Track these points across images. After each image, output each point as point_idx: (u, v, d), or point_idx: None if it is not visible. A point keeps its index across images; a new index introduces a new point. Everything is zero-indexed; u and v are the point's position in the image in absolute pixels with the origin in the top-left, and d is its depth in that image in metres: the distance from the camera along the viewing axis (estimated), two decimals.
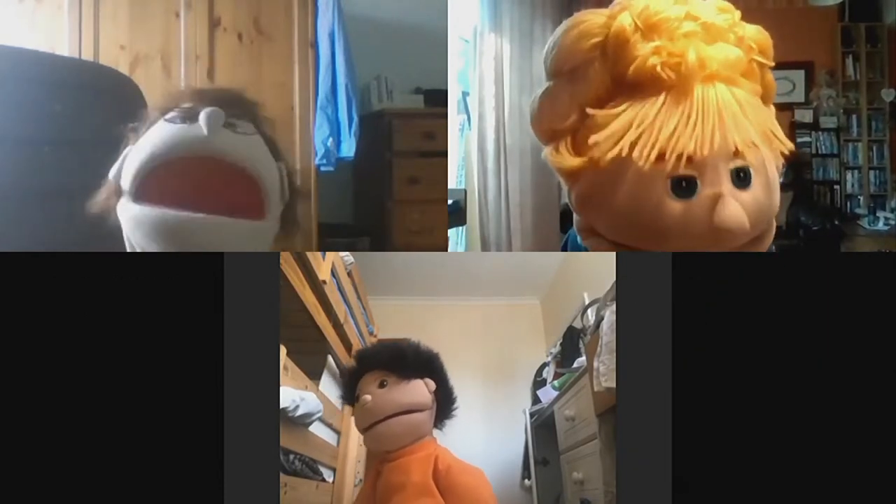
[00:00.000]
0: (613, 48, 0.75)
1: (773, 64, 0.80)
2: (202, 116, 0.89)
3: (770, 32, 0.81)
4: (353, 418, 1.30)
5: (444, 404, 1.28)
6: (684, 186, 0.73)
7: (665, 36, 0.74)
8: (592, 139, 0.74)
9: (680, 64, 0.72)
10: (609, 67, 0.75)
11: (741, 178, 0.74)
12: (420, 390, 1.24)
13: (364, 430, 1.24)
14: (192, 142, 0.89)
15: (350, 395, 1.30)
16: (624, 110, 0.73)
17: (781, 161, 0.80)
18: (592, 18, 0.77)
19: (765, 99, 0.80)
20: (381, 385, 1.22)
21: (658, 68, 0.72)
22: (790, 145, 0.77)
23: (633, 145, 0.71)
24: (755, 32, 0.79)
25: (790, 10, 4.02)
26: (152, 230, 0.89)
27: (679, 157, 0.71)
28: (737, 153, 0.73)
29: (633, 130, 0.72)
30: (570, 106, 0.77)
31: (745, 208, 0.73)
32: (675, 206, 0.73)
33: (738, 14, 0.78)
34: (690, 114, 0.71)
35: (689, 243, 0.74)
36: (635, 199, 0.74)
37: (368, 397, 1.21)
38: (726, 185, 0.73)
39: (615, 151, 0.72)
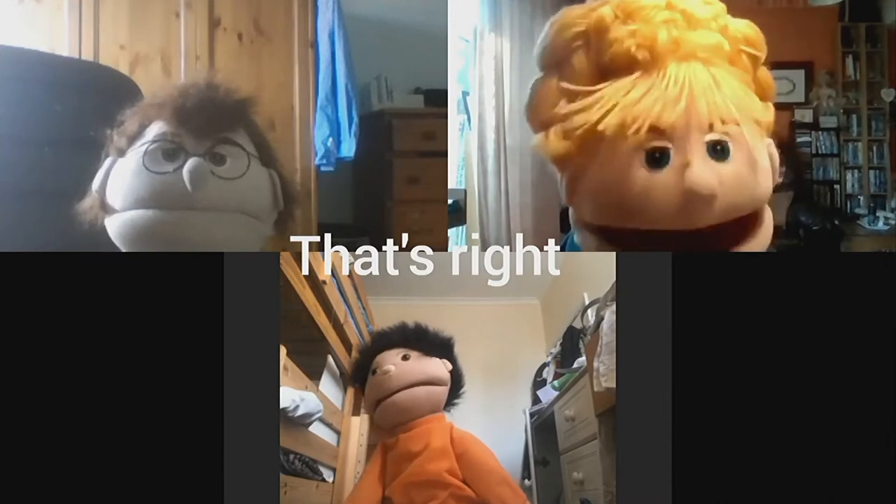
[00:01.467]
0: (595, 36, 0.77)
1: (763, 55, 0.81)
2: (186, 173, 0.89)
3: (770, 32, 0.81)
4: (364, 408, 1.36)
5: (455, 386, 1.36)
6: (658, 158, 0.74)
7: (642, 22, 0.75)
8: (563, 108, 0.76)
9: (653, 44, 0.74)
10: (592, 56, 0.78)
11: (717, 150, 0.74)
12: (441, 366, 1.33)
13: (381, 399, 1.29)
14: (175, 196, 0.89)
15: (362, 373, 1.36)
16: (600, 88, 0.75)
17: (769, 148, 0.80)
18: (574, 10, 0.80)
19: (761, 97, 0.80)
20: (404, 358, 1.31)
21: (633, 49, 0.74)
22: (764, 115, 0.78)
23: (600, 111, 0.73)
24: (743, 25, 0.80)
25: (790, 10, 4.01)
26: (141, 232, 0.90)
27: (651, 128, 0.72)
28: (713, 128, 0.74)
29: (604, 101, 0.74)
30: (559, 95, 0.79)
31: (722, 178, 0.73)
32: (649, 176, 0.74)
33: (721, 7, 0.79)
34: (659, 84, 0.73)
35: (666, 213, 0.74)
36: (610, 173, 0.76)
37: (392, 367, 1.28)
38: (699, 154, 0.74)
39: (585, 117, 0.74)
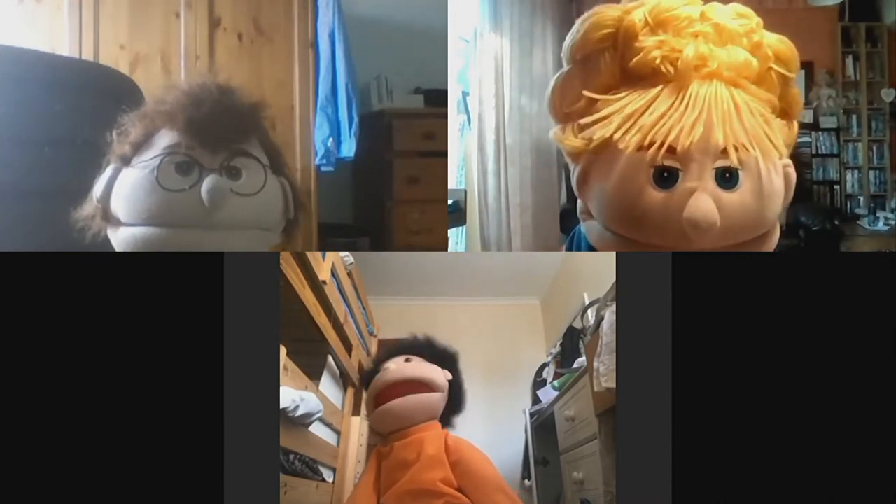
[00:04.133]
0: (623, 40, 0.77)
1: (795, 75, 0.79)
2: (205, 194, 0.85)
3: (770, 32, 0.81)
4: (364, 409, 1.37)
5: (455, 398, 1.39)
6: (666, 177, 0.74)
7: (672, 32, 0.75)
8: (584, 120, 0.77)
9: (678, 59, 0.73)
10: (618, 59, 0.78)
11: (727, 178, 0.74)
12: (439, 372, 1.36)
13: (377, 395, 1.31)
14: (191, 215, 0.86)
15: (369, 377, 1.40)
16: (621, 97, 0.75)
17: (786, 168, 0.79)
18: (607, 11, 0.80)
19: (788, 114, 0.79)
20: (406, 360, 1.37)
21: (658, 61, 0.74)
22: (784, 151, 0.77)
23: (619, 128, 0.74)
24: (776, 41, 0.79)
25: (790, 10, 4.01)
26: (153, 249, 0.88)
27: (662, 145, 0.72)
28: (725, 153, 0.73)
29: (622, 114, 0.74)
30: (581, 91, 0.79)
31: (726, 209, 0.73)
32: (655, 195, 0.74)
33: (757, 21, 0.78)
34: (679, 105, 0.73)
35: (665, 234, 0.75)
36: (620, 184, 0.76)
37: (392, 366, 1.34)
38: (707, 182, 0.73)
39: (602, 132, 0.74)
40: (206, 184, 0.86)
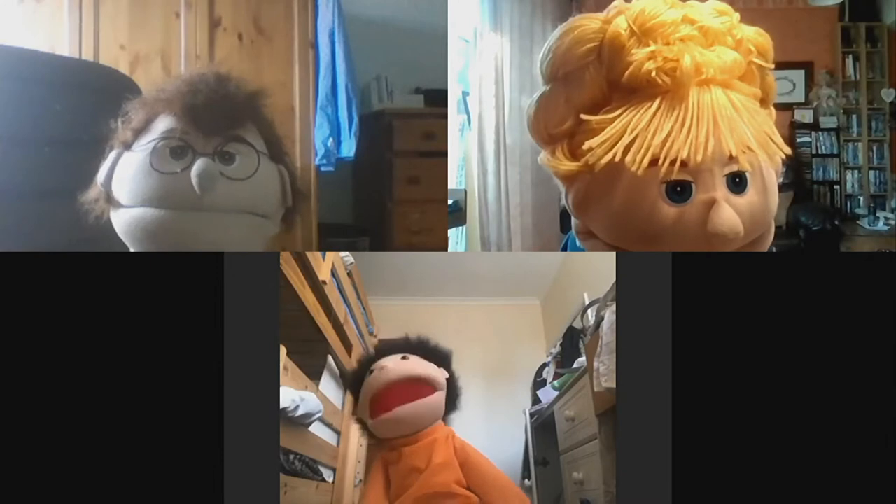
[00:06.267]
0: (609, 53, 0.75)
1: (772, 66, 0.80)
2: (194, 177, 0.87)
3: (770, 32, 0.80)
4: (357, 412, 1.36)
5: (451, 397, 1.36)
6: (679, 191, 0.72)
7: (661, 40, 0.73)
8: (587, 144, 0.74)
9: (675, 69, 0.71)
10: (604, 72, 0.75)
11: (737, 182, 0.74)
12: (436, 370, 1.33)
13: (376, 405, 1.27)
14: (183, 198, 0.88)
15: (359, 378, 1.34)
16: (619, 115, 0.73)
17: (780, 165, 0.80)
18: (587, 23, 0.77)
19: (765, 101, 0.79)
20: (403, 358, 1.32)
21: (653, 74, 0.71)
22: (787, 150, 0.76)
23: (626, 150, 0.71)
24: (755, 35, 0.79)
25: (790, 10, 4.01)
26: (149, 231, 0.89)
27: (673, 162, 0.70)
28: (732, 158, 0.72)
29: (628, 135, 0.71)
30: (566, 110, 0.77)
31: (741, 213, 0.73)
32: (670, 210, 0.73)
33: (736, 16, 0.77)
34: (685, 119, 0.71)
35: (683, 248, 0.74)
36: (630, 203, 0.74)
37: (390, 364, 1.29)
38: (721, 191, 0.73)
39: (609, 157, 0.72)
40: (196, 167, 0.88)
